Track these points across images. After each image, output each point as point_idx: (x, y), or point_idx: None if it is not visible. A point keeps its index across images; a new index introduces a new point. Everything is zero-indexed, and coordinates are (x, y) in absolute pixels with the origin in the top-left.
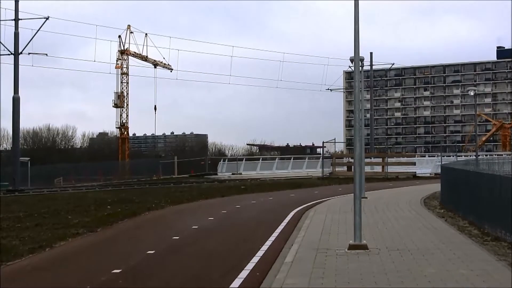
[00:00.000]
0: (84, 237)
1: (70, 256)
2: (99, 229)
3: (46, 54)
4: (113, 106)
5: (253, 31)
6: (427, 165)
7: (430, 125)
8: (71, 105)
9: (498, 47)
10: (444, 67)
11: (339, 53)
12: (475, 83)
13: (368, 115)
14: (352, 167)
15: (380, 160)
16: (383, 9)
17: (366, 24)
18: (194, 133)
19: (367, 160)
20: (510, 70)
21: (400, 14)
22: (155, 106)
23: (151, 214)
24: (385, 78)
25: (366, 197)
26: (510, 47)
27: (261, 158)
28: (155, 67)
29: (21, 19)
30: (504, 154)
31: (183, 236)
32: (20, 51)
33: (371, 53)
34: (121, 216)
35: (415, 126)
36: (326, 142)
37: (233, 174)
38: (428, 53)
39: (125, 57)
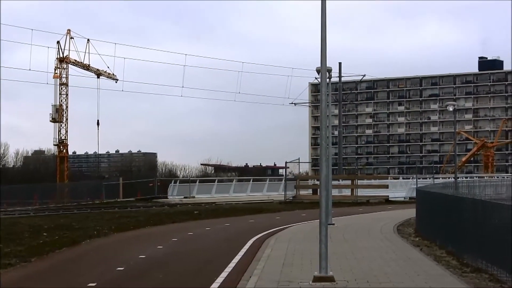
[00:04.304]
0: (17, 268)
1: None
2: (33, 259)
3: None
4: (50, 121)
5: (208, 36)
6: (401, 188)
7: (405, 144)
8: (1, 119)
9: (480, 58)
10: (421, 79)
11: (304, 62)
12: (454, 97)
13: (336, 132)
14: (318, 190)
15: (349, 182)
16: (353, 12)
17: (334, 30)
18: (142, 151)
19: (335, 182)
20: (493, 83)
21: (372, 19)
22: (98, 121)
23: (93, 242)
24: (356, 91)
25: (333, 224)
26: (492, 58)
27: (216, 180)
28: (98, 77)
29: None
30: (486, 177)
31: (129, 267)
32: None
33: (340, 63)
34: (59, 244)
35: (388, 144)
36: (289, 162)
37: (185, 197)
38: (403, 63)
39: (65, 65)
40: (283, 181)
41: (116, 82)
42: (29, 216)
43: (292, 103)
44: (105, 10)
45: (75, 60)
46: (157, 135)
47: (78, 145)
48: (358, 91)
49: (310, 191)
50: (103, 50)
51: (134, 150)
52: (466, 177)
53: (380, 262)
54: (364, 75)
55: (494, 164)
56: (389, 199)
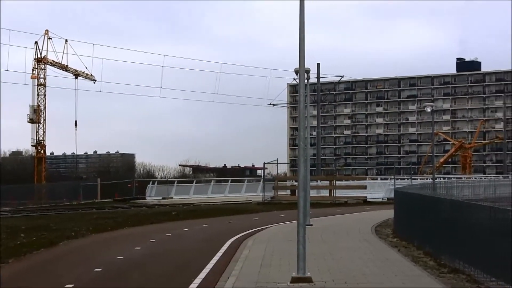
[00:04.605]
0: None
1: None
2: (10, 260)
3: None
4: (28, 121)
5: (187, 37)
6: (379, 189)
7: (383, 145)
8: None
9: (458, 59)
10: (399, 80)
11: (283, 63)
12: (432, 98)
13: (314, 133)
14: (296, 191)
15: (327, 183)
16: (331, 13)
17: (313, 31)
18: (120, 152)
19: (313, 183)
20: (471, 84)
21: (351, 20)
22: (75, 121)
23: (70, 243)
24: (334, 92)
25: (311, 225)
26: (470, 59)
27: (195, 181)
28: (76, 78)
29: None
30: (464, 177)
31: (107, 268)
32: None
33: (318, 64)
34: (36, 245)
35: (366, 145)
36: (268, 163)
37: (163, 198)
38: (381, 64)
39: (43, 66)
40: (261, 182)
41: (94, 83)
42: (6, 217)
43: (270, 104)
44: (83, 10)
45: (53, 61)
46: (136, 136)
47: (56, 146)
48: (337, 92)
49: (288, 192)
50: (81, 50)
51: (112, 151)
52: (444, 178)
53: (358, 262)
54: (343, 76)
55: (472, 165)
56: (367, 199)
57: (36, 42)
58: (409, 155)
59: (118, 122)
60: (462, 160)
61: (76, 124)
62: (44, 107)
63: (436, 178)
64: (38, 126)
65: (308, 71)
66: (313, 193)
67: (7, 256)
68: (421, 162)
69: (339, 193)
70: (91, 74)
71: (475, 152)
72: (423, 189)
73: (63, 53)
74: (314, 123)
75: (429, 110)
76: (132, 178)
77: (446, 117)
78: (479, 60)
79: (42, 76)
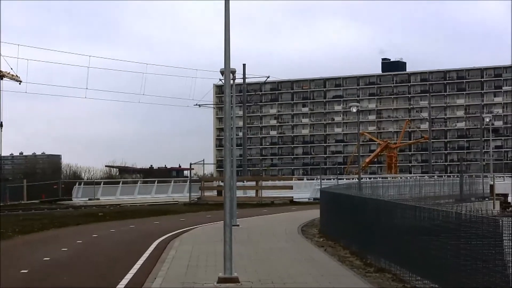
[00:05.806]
0: None
1: None
2: None
3: None
4: None
5: (113, 38)
6: (305, 189)
7: (309, 145)
8: None
9: (383, 59)
10: (325, 80)
11: (208, 63)
12: (358, 98)
13: (240, 134)
14: (223, 191)
15: (253, 184)
16: (257, 13)
17: (238, 31)
18: (46, 153)
19: (239, 184)
20: (396, 85)
21: (276, 20)
22: (1, 122)
23: None
24: (260, 93)
25: (238, 225)
26: (395, 59)
27: (121, 182)
28: (1, 79)
29: None
30: (389, 177)
31: (33, 270)
32: None
33: (244, 65)
34: None
35: (292, 146)
36: (194, 163)
37: (90, 199)
38: (307, 65)
39: None
40: (188, 183)
41: (19, 84)
42: None
43: (196, 105)
44: (7, 11)
45: None
46: (62, 137)
47: None
48: (263, 92)
49: (215, 192)
50: (6, 51)
51: (38, 152)
52: (370, 178)
53: (285, 263)
54: (268, 77)
55: (398, 165)
56: (294, 200)
57: None
58: (335, 155)
59: (44, 123)
60: (387, 160)
61: (1, 125)
62: None
63: (362, 178)
64: None
65: (233, 72)
66: (239, 193)
67: None
68: (347, 162)
69: (266, 193)
70: (17, 75)
71: (400, 152)
72: (349, 189)
73: None
74: (240, 123)
75: (354, 110)
76: (58, 180)
77: (372, 117)
78: (404, 60)
79: None
